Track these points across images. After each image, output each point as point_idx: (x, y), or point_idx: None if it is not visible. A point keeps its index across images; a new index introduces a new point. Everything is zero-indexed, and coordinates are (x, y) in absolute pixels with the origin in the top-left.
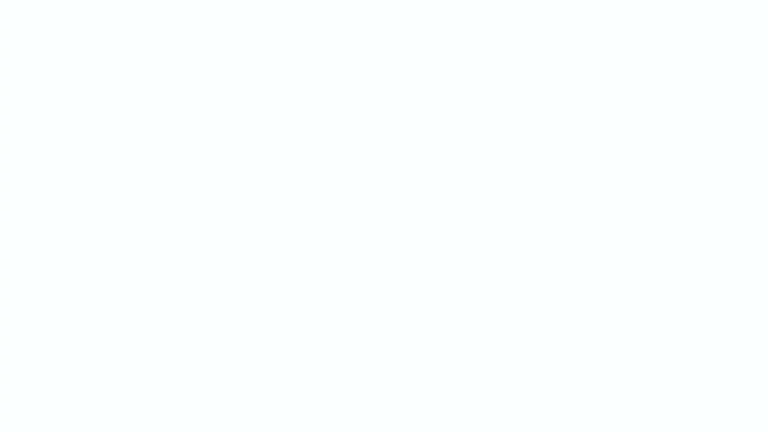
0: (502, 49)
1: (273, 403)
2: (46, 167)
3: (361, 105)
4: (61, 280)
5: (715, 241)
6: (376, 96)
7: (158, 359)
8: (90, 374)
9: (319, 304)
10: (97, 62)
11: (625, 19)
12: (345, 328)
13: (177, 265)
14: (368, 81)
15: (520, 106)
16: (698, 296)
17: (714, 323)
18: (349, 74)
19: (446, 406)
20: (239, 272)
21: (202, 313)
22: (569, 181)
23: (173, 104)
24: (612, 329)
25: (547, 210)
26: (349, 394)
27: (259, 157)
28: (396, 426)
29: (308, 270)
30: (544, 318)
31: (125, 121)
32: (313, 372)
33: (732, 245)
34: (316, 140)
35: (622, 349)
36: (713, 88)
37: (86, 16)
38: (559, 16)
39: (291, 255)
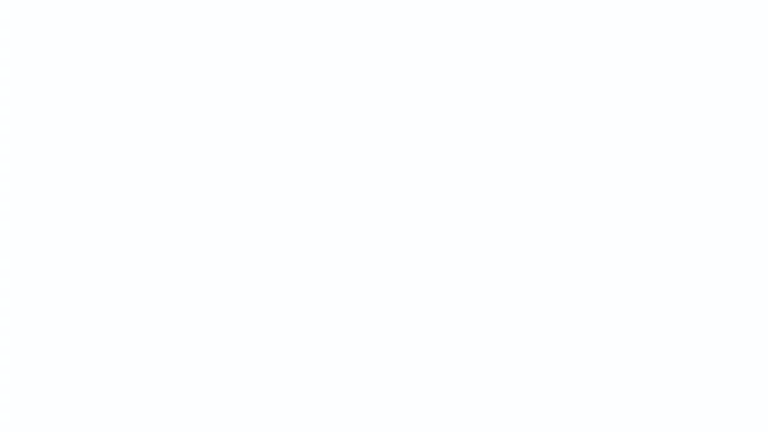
0: (502, 49)
1: (273, 402)
2: (46, 167)
3: (361, 105)
4: (61, 279)
5: (714, 241)
6: (376, 96)
7: (158, 359)
8: (90, 374)
9: (319, 304)
10: (97, 62)
11: (625, 19)
12: (344, 328)
13: (177, 265)
14: (368, 81)
15: (520, 106)
16: (698, 296)
17: (714, 323)
18: (350, 74)
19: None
20: (239, 272)
21: (202, 312)
22: (569, 180)
23: (173, 104)
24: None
25: (547, 210)
26: (348, 394)
27: (260, 156)
28: (395, 426)
29: (308, 269)
30: (543, 318)
31: (125, 121)
32: (312, 372)
33: (732, 245)
34: (316, 140)
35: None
36: (713, 88)
37: (86, 16)
38: (559, 16)
39: (291, 254)
